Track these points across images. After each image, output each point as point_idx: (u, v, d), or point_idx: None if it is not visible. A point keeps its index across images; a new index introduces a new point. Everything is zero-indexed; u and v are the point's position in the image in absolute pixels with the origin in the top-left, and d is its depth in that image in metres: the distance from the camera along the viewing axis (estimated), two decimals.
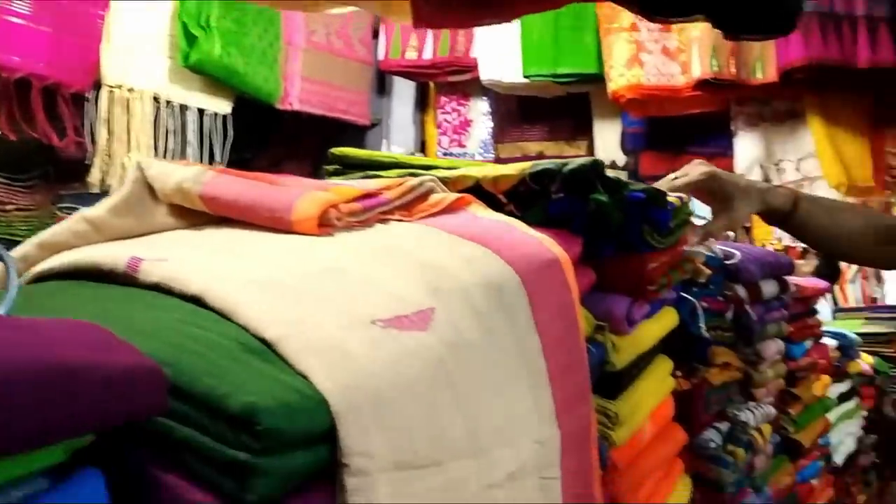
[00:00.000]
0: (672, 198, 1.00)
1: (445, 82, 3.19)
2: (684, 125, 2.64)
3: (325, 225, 0.68)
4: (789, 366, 1.75)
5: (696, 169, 1.18)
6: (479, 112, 3.24)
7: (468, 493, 0.50)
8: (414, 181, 0.82)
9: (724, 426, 1.25)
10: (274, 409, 0.40)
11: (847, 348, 2.43)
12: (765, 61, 2.17)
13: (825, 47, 1.95)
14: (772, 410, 1.48)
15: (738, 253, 1.38)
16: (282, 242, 0.65)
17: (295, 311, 0.49)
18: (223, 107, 2.58)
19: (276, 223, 0.68)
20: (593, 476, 0.73)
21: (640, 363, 0.98)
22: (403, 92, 3.40)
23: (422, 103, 3.45)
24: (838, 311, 4.40)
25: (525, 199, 0.89)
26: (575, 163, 0.85)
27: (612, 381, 0.91)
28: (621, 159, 2.84)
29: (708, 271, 1.10)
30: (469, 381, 0.54)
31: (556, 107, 2.97)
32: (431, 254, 0.64)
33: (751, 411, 1.39)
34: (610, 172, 0.87)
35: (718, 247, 1.30)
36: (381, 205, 0.75)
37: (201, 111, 2.53)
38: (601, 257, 0.87)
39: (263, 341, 0.47)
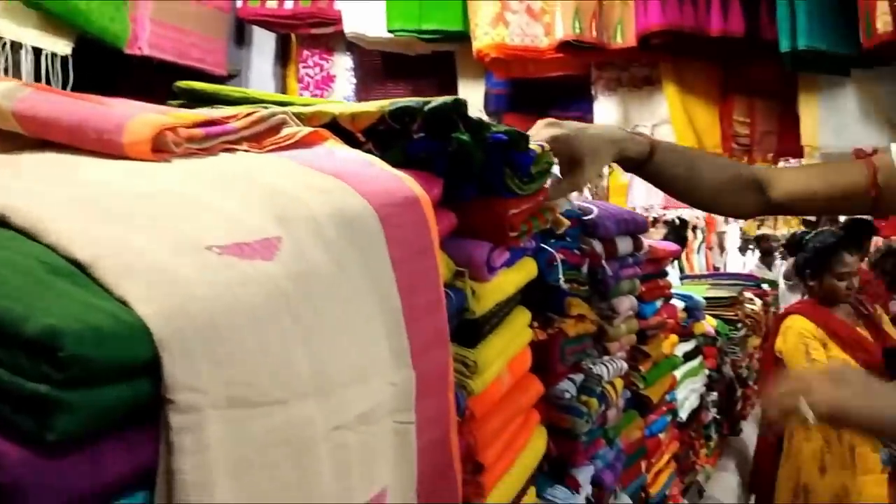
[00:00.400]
0: (533, 145, 0.98)
1: (308, 35, 3.07)
2: (547, 88, 2.68)
3: (160, 150, 0.62)
4: (640, 324, 1.80)
5: (541, 132, 1.14)
6: (343, 68, 3.16)
7: (314, 433, 0.46)
8: (265, 112, 0.76)
9: (578, 378, 1.26)
10: (80, 333, 0.34)
11: (693, 310, 2.54)
12: (625, 26, 2.21)
13: (681, 14, 2.01)
14: (624, 365, 1.52)
15: (595, 209, 1.40)
16: (108, 167, 0.58)
17: (114, 231, 0.43)
18: (62, 47, 2.37)
19: (105, 146, 0.60)
20: (450, 423, 0.70)
21: (500, 312, 0.96)
22: (264, 43, 3.25)
23: (283, 56, 3.32)
24: (684, 278, 4.64)
25: (385, 138, 0.84)
26: (436, 101, 0.82)
27: (471, 329, 0.89)
28: (485, 120, 2.82)
29: (567, 223, 1.09)
30: (317, 316, 0.50)
31: (421, 65, 2.93)
32: (280, 182, 0.59)
33: (604, 365, 1.41)
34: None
35: (576, 201, 1.30)
36: (226, 133, 0.69)
37: (37, 51, 2.32)
38: (462, 200, 0.84)
39: (75, 263, 0.41)
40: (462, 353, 0.88)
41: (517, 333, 1.02)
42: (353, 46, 2.92)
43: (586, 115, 2.49)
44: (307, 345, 0.47)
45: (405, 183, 0.72)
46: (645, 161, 1.21)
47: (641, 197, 5.34)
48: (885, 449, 2.23)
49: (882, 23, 1.77)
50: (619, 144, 1.19)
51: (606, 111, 2.41)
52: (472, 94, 2.86)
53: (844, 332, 3.15)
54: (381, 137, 0.85)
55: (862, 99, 1.93)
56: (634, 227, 1.51)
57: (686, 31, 2.02)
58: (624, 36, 2.22)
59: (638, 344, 1.81)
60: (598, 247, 1.33)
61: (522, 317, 1.06)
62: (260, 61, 3.23)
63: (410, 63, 2.91)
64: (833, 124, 2.11)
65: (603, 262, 1.35)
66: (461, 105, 0.82)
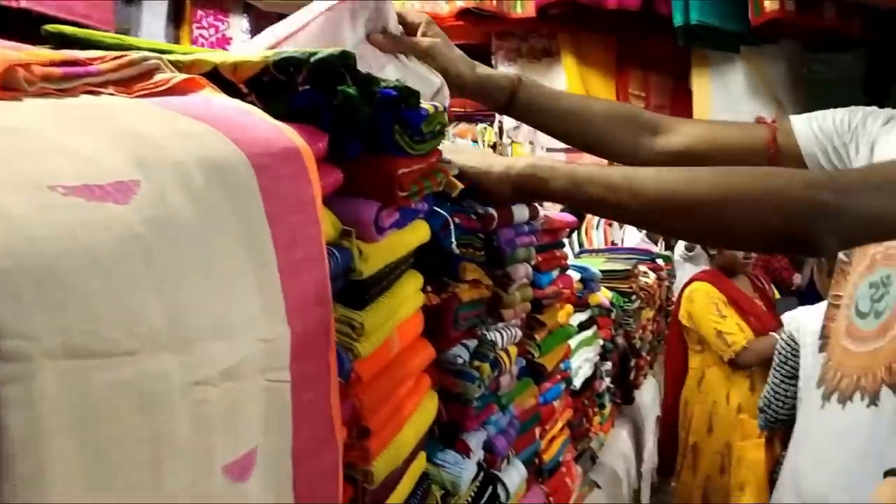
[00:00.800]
0: (427, 104, 0.96)
1: None
2: None
3: (10, 88, 0.56)
4: (536, 293, 1.82)
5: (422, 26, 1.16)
6: (239, 30, 3.04)
7: (170, 388, 0.43)
8: (136, 55, 0.71)
9: (472, 343, 1.26)
10: None
11: (588, 281, 2.59)
12: None
13: None
14: (518, 333, 1.52)
15: None
16: None
17: None
18: None
19: None
20: (331, 385, 0.68)
21: (390, 275, 0.94)
22: (155, 2, 3.10)
23: (176, 16, 3.18)
24: (582, 251, 4.74)
25: (269, 90, 0.80)
26: (323, 52, 0.78)
27: (358, 291, 0.86)
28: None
29: (460, 185, 1.08)
30: (176, 265, 0.46)
31: None
32: (144, 125, 0.54)
33: (499, 332, 1.42)
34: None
35: None
36: (89, 75, 0.64)
37: None
38: (349, 157, 0.81)
39: None
40: (348, 314, 0.85)
41: (408, 297, 1.00)
42: (249, 7, 2.83)
43: None
44: (164, 295, 0.44)
45: (285, 134, 0.69)
46: (509, 102, 1.21)
47: None
48: (761, 415, 2.34)
49: (770, 1, 1.83)
50: (481, 82, 1.20)
51: None
52: None
53: (742, 301, 3.33)
54: (264, 89, 0.81)
55: (751, 75, 1.99)
56: None
57: (583, 2, 2.04)
58: (524, 6, 2.21)
59: (533, 313, 1.82)
60: (493, 213, 1.32)
61: (414, 280, 1.04)
62: (151, 20, 3.08)
63: None
64: (724, 99, 2.17)
65: (499, 228, 1.35)
66: (349, 57, 0.79)
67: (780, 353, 2.21)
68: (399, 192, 0.85)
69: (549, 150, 4.96)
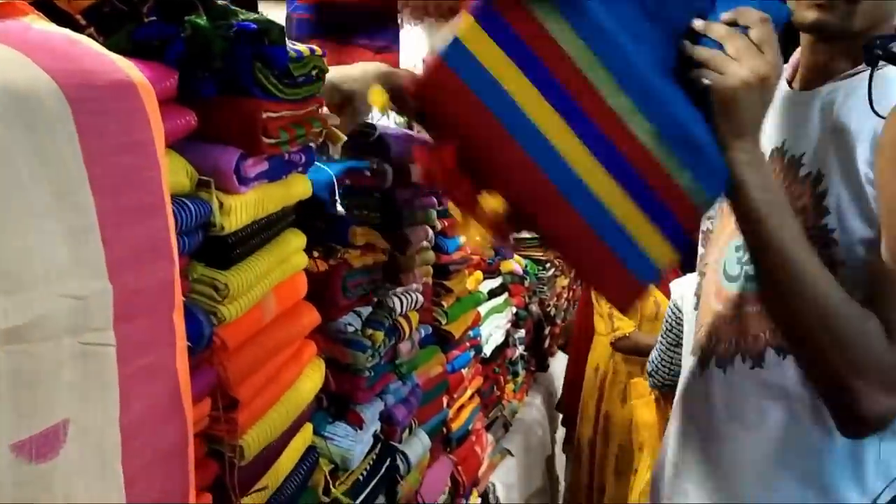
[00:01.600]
0: (302, 47, 0.88)
1: None
2: (353, 15, 2.55)
3: None
4: (442, 259, 1.76)
5: None
6: None
7: None
8: None
9: (365, 310, 1.19)
10: None
11: (500, 248, 2.54)
12: None
13: None
14: (420, 298, 1.46)
15: (391, 130, 1.32)
16: None
17: None
18: None
19: None
20: (175, 349, 0.60)
21: (262, 232, 0.86)
22: None
23: None
24: None
25: (110, 21, 0.71)
26: None
27: (221, 249, 0.78)
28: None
29: (343, 136, 1.00)
30: None
31: None
32: None
33: (398, 297, 1.35)
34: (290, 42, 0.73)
35: (365, 121, 1.21)
36: None
37: None
38: (204, 98, 0.73)
39: None
40: (210, 274, 0.77)
41: (285, 258, 0.92)
42: None
43: (392, 45, 2.40)
44: None
45: (120, 67, 0.60)
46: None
47: None
48: (650, 378, 2.36)
49: None
50: (385, 76, 1.11)
51: (414, 41, 2.32)
52: (274, 18, 2.66)
53: None
54: (106, 21, 0.72)
55: None
56: None
57: None
58: None
59: (440, 279, 1.76)
60: (389, 171, 1.25)
61: (294, 240, 0.96)
62: None
63: None
64: None
65: (393, 187, 1.28)
66: None
67: (667, 321, 2.21)
68: (264, 139, 0.77)
69: None
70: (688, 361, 1.20)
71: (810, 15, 1.03)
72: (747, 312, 1.07)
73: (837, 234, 0.98)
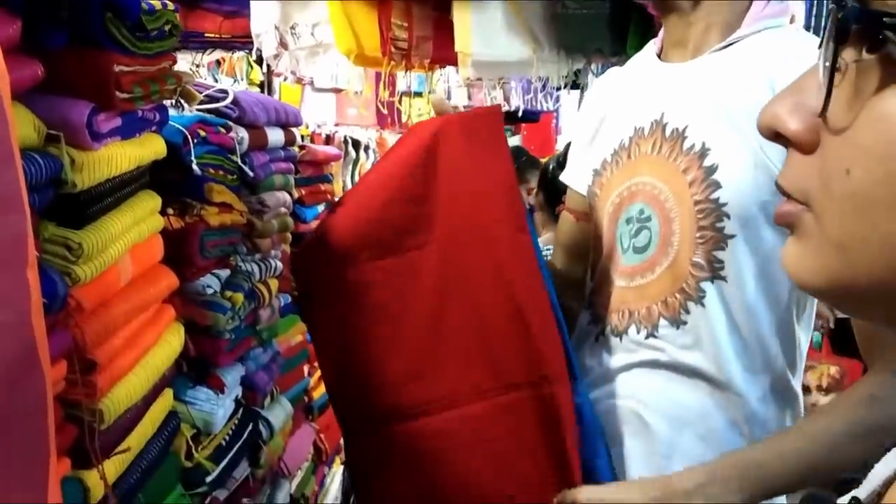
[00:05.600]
0: (155, 0, 0.85)
1: None
2: None
3: None
4: (300, 228, 1.75)
5: None
6: None
7: None
8: None
9: (224, 273, 1.17)
10: None
11: None
12: None
13: None
14: (279, 265, 1.45)
15: (245, 97, 1.29)
16: None
17: None
18: None
19: None
20: (29, 306, 0.58)
21: (116, 191, 0.84)
22: None
23: None
24: None
25: None
26: None
27: (74, 207, 0.76)
28: None
29: (198, 95, 0.98)
30: None
31: None
32: None
33: (256, 263, 1.34)
34: None
35: (213, 85, 1.19)
36: None
37: None
38: (52, 48, 0.70)
39: None
40: (63, 234, 0.75)
41: (141, 218, 0.90)
42: None
43: (243, 9, 2.33)
44: None
45: None
46: None
47: (313, 113, 5.28)
48: None
49: None
50: None
51: (265, 9, 2.27)
52: None
53: None
54: None
55: (508, 11, 2.01)
56: (286, 118, 1.43)
57: None
58: None
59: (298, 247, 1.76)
60: (242, 133, 1.23)
61: (150, 201, 0.94)
62: None
63: None
64: (483, 34, 2.18)
65: (249, 151, 1.26)
66: None
67: None
68: (117, 93, 0.75)
69: (315, 89, 4.83)
70: (586, 331, 1.20)
71: None
72: (640, 284, 1.10)
73: (729, 209, 1.01)
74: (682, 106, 1.07)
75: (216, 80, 3.32)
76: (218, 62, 3.68)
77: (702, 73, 1.07)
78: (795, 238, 0.39)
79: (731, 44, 1.06)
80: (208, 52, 2.45)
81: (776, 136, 0.39)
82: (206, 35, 2.35)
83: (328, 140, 5.62)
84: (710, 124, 1.04)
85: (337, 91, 5.36)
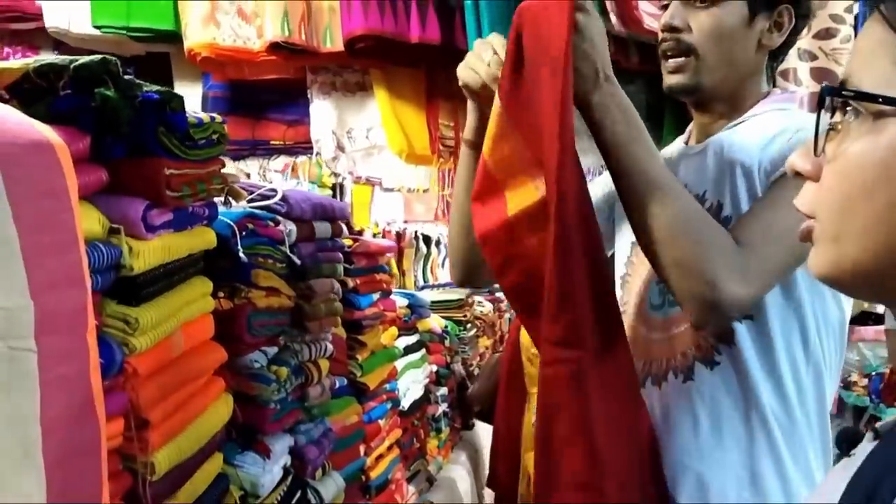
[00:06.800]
0: (204, 115, 1.02)
1: (7, 30, 2.85)
2: (264, 91, 2.72)
3: None
4: (355, 314, 1.89)
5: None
6: None
7: None
8: None
9: (271, 350, 1.30)
10: None
11: (417, 307, 2.68)
12: (333, 31, 2.32)
13: (382, 21, 2.14)
14: (329, 347, 1.57)
15: (293, 195, 1.45)
16: None
17: None
18: None
19: None
20: (89, 364, 0.71)
21: (169, 276, 0.98)
22: None
23: None
24: (424, 287, 4.86)
25: (31, 96, 0.84)
26: (84, 59, 0.83)
27: (132, 288, 0.90)
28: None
29: (245, 194, 1.13)
30: None
31: (137, 66, 2.82)
32: None
33: (306, 344, 1.47)
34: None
35: (265, 185, 1.35)
36: None
37: None
38: (114, 158, 0.86)
39: None
40: (122, 310, 0.89)
41: (193, 299, 1.04)
42: (60, 43, 2.77)
43: (303, 118, 2.56)
44: None
45: (38, 129, 0.72)
46: None
47: (383, 211, 5.53)
48: None
49: None
50: None
51: (322, 114, 2.48)
52: (190, 97, 2.81)
53: None
54: (26, 96, 0.84)
55: None
56: (332, 213, 1.58)
57: (387, 36, 2.16)
58: (333, 40, 2.32)
59: (354, 334, 1.89)
60: (291, 226, 1.38)
61: (202, 285, 1.08)
62: None
63: (125, 63, 2.76)
64: None
65: (297, 241, 1.41)
66: (109, 63, 0.84)
67: None
68: (167, 192, 0.90)
69: (384, 189, 5.05)
70: None
71: (669, 80, 1.24)
72: (673, 334, 1.24)
73: None
74: (699, 175, 1.24)
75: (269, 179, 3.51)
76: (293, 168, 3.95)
77: (715, 146, 1.25)
78: (813, 246, 0.57)
79: (742, 122, 1.21)
80: (274, 157, 2.67)
81: (796, 174, 0.58)
82: (272, 142, 2.58)
83: (399, 237, 5.83)
84: (722, 185, 1.22)
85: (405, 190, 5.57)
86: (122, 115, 0.83)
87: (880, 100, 0.50)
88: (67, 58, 0.84)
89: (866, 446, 0.56)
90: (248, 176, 2.41)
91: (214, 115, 1.04)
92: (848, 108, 0.53)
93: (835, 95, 0.53)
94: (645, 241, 1.12)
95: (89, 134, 0.82)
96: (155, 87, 0.88)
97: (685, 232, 1.07)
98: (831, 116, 0.54)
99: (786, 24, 1.23)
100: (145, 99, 0.86)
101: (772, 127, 1.19)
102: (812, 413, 1.20)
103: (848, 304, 1.22)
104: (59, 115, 0.82)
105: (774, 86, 1.38)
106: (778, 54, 1.31)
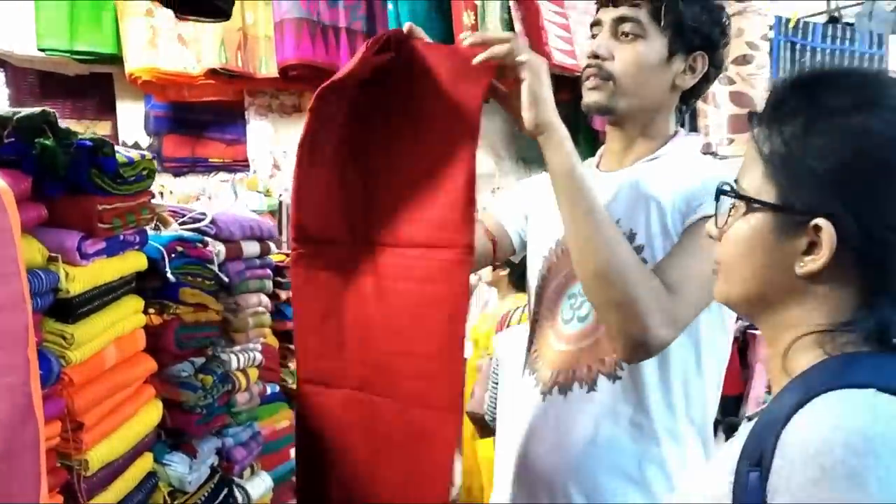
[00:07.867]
0: (135, 154, 1.15)
1: None
2: (205, 112, 2.84)
3: None
4: (287, 325, 2.02)
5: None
6: None
7: None
8: None
9: (199, 360, 1.44)
10: None
11: None
12: (268, 58, 2.45)
13: (314, 50, 2.29)
14: (257, 356, 1.71)
15: (222, 217, 1.59)
16: None
17: None
18: None
19: None
20: (29, 374, 0.85)
21: (102, 296, 1.12)
22: None
23: None
24: None
25: None
26: (25, 112, 0.96)
27: (67, 308, 1.03)
28: (145, 140, 2.93)
29: (173, 222, 1.27)
30: None
31: (80, 85, 2.93)
32: None
33: (234, 354, 1.60)
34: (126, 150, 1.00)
35: (195, 211, 1.48)
36: None
37: None
38: (52, 196, 0.99)
39: None
40: (60, 328, 1.02)
41: (125, 316, 1.18)
42: (5, 63, 2.86)
43: (241, 137, 2.68)
44: None
45: None
46: None
47: None
48: (486, 416, 2.66)
49: None
50: None
51: (260, 134, 2.61)
52: (132, 115, 2.92)
53: None
54: None
55: None
56: (260, 233, 1.72)
57: (319, 65, 2.30)
58: (268, 67, 2.45)
59: (287, 343, 2.02)
60: (220, 247, 1.52)
61: (134, 303, 1.21)
62: None
63: (69, 82, 2.89)
64: None
65: (225, 261, 1.54)
66: (48, 115, 0.97)
67: (493, 372, 2.55)
68: (100, 225, 1.04)
69: None
70: (531, 393, 1.46)
71: (587, 97, 1.36)
72: (581, 347, 1.35)
73: None
74: (612, 203, 1.33)
75: (236, 195, 3.60)
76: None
77: (632, 177, 1.35)
78: (717, 280, 0.84)
79: (655, 158, 1.35)
80: (213, 174, 2.79)
81: (710, 235, 0.85)
82: (211, 160, 2.70)
83: None
84: (636, 216, 1.31)
85: None
86: (59, 160, 0.96)
87: (752, 202, 0.77)
88: (11, 110, 0.97)
89: (745, 426, 0.77)
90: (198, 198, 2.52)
91: (145, 152, 1.18)
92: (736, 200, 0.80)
93: (726, 194, 0.81)
94: (583, 274, 1.23)
95: (31, 176, 0.95)
96: (89, 135, 1.01)
97: (622, 273, 1.18)
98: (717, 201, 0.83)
99: (699, 69, 1.35)
100: (80, 146, 0.99)
101: (685, 170, 1.31)
102: (697, 420, 1.34)
103: (731, 330, 1.38)
104: (3, 161, 0.95)
105: (682, 126, 1.49)
106: (689, 97, 1.43)
